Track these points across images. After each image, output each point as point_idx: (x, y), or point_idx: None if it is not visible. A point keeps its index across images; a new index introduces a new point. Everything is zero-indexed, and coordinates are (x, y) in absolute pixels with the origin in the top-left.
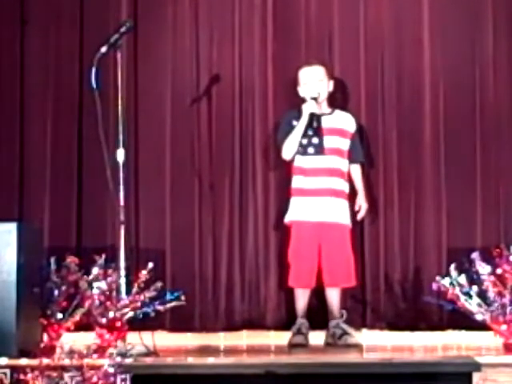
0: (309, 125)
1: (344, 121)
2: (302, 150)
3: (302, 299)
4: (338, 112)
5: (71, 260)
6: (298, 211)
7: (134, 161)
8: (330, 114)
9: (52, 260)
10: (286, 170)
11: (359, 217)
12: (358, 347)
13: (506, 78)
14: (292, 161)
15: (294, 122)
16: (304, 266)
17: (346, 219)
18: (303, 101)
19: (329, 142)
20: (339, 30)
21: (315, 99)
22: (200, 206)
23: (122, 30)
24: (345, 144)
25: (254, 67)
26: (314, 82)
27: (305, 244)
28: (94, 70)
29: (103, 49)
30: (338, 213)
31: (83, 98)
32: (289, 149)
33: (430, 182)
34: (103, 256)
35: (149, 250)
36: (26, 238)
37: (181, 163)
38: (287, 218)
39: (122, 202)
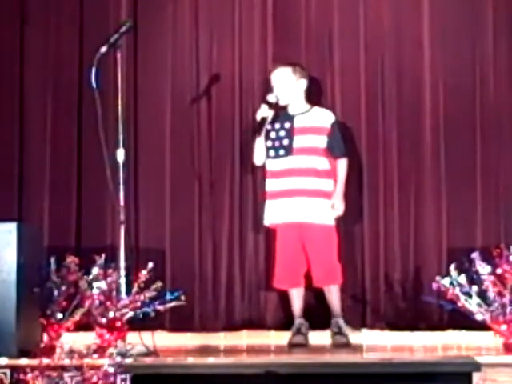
0: (264, 129)
1: (319, 118)
2: (274, 153)
3: (296, 300)
4: (314, 109)
5: (71, 260)
6: (274, 214)
7: (133, 161)
8: (304, 112)
9: (52, 260)
10: None
11: (333, 216)
12: (348, 347)
13: (506, 78)
14: (264, 166)
15: (268, 126)
16: (287, 267)
17: (324, 219)
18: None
19: (300, 141)
20: (339, 30)
21: (269, 104)
22: (200, 206)
23: (122, 30)
24: (320, 141)
25: (253, 67)
26: (276, 85)
27: (285, 245)
28: (93, 70)
29: (103, 49)
30: (314, 213)
31: (83, 98)
32: (255, 156)
33: (430, 182)
34: (103, 256)
35: (149, 250)
36: (26, 237)
37: (181, 163)
38: (265, 222)
39: (122, 202)
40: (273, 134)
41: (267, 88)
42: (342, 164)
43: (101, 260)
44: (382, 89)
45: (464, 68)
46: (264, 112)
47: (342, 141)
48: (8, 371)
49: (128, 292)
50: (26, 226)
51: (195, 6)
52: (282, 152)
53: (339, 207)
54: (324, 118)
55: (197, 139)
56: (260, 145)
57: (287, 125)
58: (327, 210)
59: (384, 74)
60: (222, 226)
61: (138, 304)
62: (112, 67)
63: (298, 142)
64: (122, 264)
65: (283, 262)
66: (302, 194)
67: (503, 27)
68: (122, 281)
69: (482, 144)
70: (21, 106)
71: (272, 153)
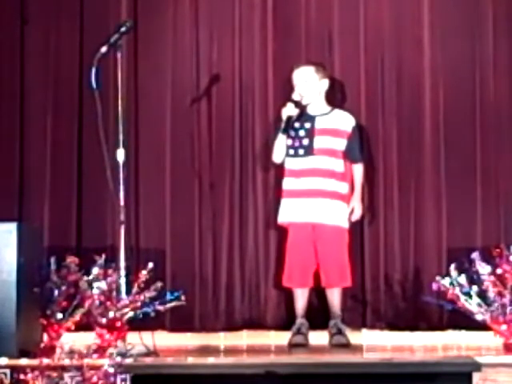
0: (290, 127)
1: (340, 120)
2: (293, 152)
3: (300, 299)
4: (335, 111)
5: (71, 260)
6: (288, 212)
7: (134, 161)
8: (326, 113)
9: (52, 260)
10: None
11: (352, 219)
12: (347, 347)
13: (506, 78)
14: (282, 164)
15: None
16: (297, 266)
17: (339, 221)
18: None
19: (320, 142)
20: (339, 30)
21: (295, 102)
22: (200, 206)
23: (122, 29)
24: (339, 144)
25: (253, 67)
26: (299, 84)
27: (297, 244)
28: (93, 70)
29: (103, 49)
30: (329, 214)
31: (83, 98)
32: (275, 153)
33: (430, 182)
34: (103, 256)
35: (149, 250)
36: (26, 238)
37: (181, 163)
38: (279, 219)
39: (122, 202)
40: (292, 133)
41: (266, 87)
42: (359, 168)
43: (101, 260)
44: (382, 89)
45: (464, 68)
46: (290, 110)
47: (360, 145)
48: (8, 371)
49: (128, 292)
50: (25, 226)
51: (195, 6)
52: (301, 151)
53: (358, 211)
54: (345, 121)
55: (197, 139)
56: (282, 143)
57: (308, 125)
58: (342, 212)
59: (384, 74)
60: (222, 226)
61: (138, 304)
62: (112, 67)
63: (318, 142)
64: (122, 264)
65: (294, 261)
66: (319, 194)
67: (503, 27)
68: (122, 281)
69: (481, 144)
70: (21, 106)
71: (291, 152)
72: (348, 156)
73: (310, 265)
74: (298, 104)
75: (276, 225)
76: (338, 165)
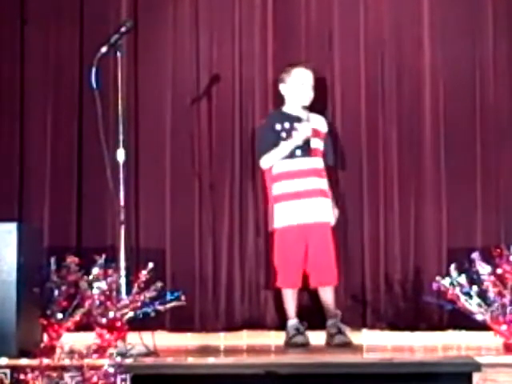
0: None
1: (320, 122)
2: (290, 154)
3: (293, 300)
4: (313, 114)
5: (71, 260)
6: (288, 216)
7: (134, 161)
8: (308, 116)
9: (52, 260)
10: None
11: (336, 215)
12: (350, 346)
13: (506, 78)
14: (270, 169)
15: (278, 126)
16: (292, 267)
17: (328, 217)
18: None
19: (314, 143)
20: (339, 30)
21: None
22: (200, 206)
23: (122, 29)
24: (321, 144)
25: (253, 67)
26: (309, 87)
27: (294, 246)
28: (94, 70)
29: (103, 49)
30: (323, 212)
31: (83, 98)
32: (271, 161)
33: (430, 183)
34: (103, 256)
35: (149, 250)
36: (26, 238)
37: (181, 163)
38: (277, 225)
39: (122, 202)
40: (283, 134)
41: (266, 88)
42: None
43: (101, 260)
44: (382, 89)
45: (464, 68)
46: (307, 131)
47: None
48: (8, 371)
49: (128, 292)
50: (25, 225)
51: (195, 6)
52: (298, 152)
53: (335, 209)
54: (322, 123)
55: (197, 139)
56: (282, 156)
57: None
58: (329, 209)
59: (384, 73)
60: (222, 226)
61: (138, 304)
62: (112, 67)
63: (313, 143)
64: (122, 264)
65: (291, 262)
66: (319, 194)
67: (503, 27)
68: (122, 281)
69: (481, 144)
70: (21, 107)
71: (288, 153)
72: (325, 157)
73: (301, 265)
74: (305, 107)
75: None
76: (322, 163)
